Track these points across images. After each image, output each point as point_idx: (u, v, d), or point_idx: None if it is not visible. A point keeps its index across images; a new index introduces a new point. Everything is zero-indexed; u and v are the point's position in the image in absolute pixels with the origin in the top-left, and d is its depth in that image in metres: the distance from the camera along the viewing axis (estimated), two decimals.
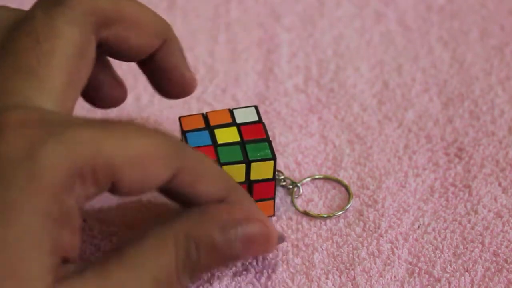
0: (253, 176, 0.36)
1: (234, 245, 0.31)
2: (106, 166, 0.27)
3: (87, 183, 0.27)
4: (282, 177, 0.40)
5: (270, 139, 0.37)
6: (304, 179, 0.41)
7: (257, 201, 0.37)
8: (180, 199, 0.32)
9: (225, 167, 0.36)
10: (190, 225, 0.30)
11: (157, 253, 0.29)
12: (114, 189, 0.28)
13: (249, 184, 0.37)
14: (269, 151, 0.36)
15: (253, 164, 0.36)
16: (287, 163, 0.42)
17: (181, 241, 0.29)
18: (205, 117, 0.38)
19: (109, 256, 0.29)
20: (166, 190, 0.31)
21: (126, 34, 0.32)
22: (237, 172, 0.36)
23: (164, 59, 0.35)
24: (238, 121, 0.38)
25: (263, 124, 0.38)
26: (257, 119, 0.38)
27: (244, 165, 0.36)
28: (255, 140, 0.37)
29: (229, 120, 0.38)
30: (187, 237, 0.30)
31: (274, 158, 0.36)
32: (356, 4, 0.52)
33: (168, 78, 0.36)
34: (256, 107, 0.38)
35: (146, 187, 0.29)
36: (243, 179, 0.36)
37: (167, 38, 0.34)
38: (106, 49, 0.33)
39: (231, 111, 0.38)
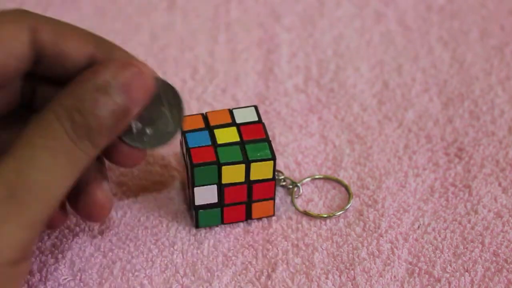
0: (253, 176, 0.36)
1: (115, 98, 0.30)
2: None
3: None
4: (282, 177, 0.40)
5: (270, 139, 0.37)
6: (304, 179, 0.41)
7: (257, 201, 0.38)
8: (51, 69, 0.32)
9: (225, 167, 0.36)
10: (65, 96, 0.30)
11: (41, 131, 0.29)
12: None
13: (248, 184, 0.37)
14: (269, 151, 0.36)
15: (252, 164, 0.36)
16: (287, 163, 0.42)
17: (60, 111, 0.30)
18: (204, 117, 0.38)
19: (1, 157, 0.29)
20: (36, 63, 0.31)
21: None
22: (237, 172, 0.36)
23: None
24: (238, 121, 0.38)
25: (263, 124, 0.38)
26: (256, 119, 0.38)
27: (244, 165, 0.36)
28: (255, 140, 0.37)
29: (229, 120, 0.38)
30: (65, 106, 0.30)
31: (273, 158, 0.36)
32: (356, 4, 0.52)
33: None
34: (255, 107, 0.38)
35: (9, 53, 0.30)
36: (243, 179, 0.36)
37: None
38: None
39: (230, 111, 0.38)
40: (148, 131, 0.32)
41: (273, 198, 0.38)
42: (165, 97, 0.32)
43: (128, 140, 0.32)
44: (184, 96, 0.45)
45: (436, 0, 0.52)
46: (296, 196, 0.40)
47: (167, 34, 0.50)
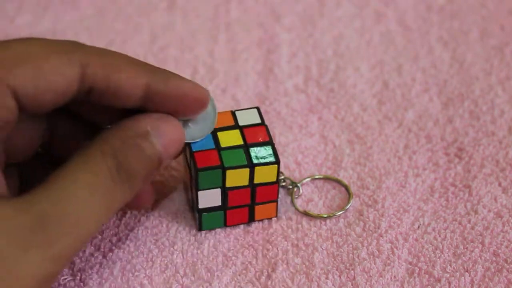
0: (256, 180, 0.36)
1: (154, 146, 0.31)
2: None
3: None
4: (282, 177, 0.40)
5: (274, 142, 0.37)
6: (304, 179, 0.41)
7: (260, 203, 0.37)
8: (104, 102, 0.31)
9: (229, 171, 0.36)
10: (112, 136, 0.30)
11: (86, 167, 0.29)
12: (20, 100, 0.28)
13: (252, 188, 0.37)
14: (273, 155, 0.36)
15: (257, 168, 0.36)
16: (287, 163, 0.42)
17: (106, 150, 0.30)
18: None
19: (37, 185, 0.28)
20: (86, 96, 0.31)
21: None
22: (241, 176, 0.36)
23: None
24: (241, 123, 0.37)
25: (266, 126, 0.37)
26: (259, 121, 0.37)
27: (248, 169, 0.36)
28: (259, 143, 0.37)
29: (232, 123, 0.37)
30: (111, 146, 0.30)
31: (278, 161, 0.36)
32: (356, 4, 0.52)
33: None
34: (258, 109, 0.38)
35: (52, 88, 0.29)
36: (246, 182, 0.36)
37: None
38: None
39: (233, 113, 0.38)
40: (190, 125, 0.35)
41: (276, 201, 0.38)
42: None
43: None
44: None
45: (436, 0, 0.52)
46: (296, 196, 0.40)
47: (167, 34, 0.50)
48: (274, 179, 0.37)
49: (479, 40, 0.49)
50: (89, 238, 0.29)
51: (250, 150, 0.36)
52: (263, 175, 0.36)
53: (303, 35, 0.50)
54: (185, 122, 0.35)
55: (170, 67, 0.47)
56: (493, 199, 0.40)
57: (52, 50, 0.29)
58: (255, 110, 0.38)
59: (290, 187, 0.40)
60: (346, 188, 0.40)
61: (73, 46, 0.30)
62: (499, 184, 0.40)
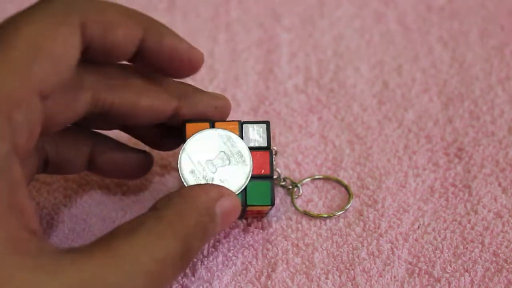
0: (249, 209, 0.36)
1: (216, 223, 0.31)
2: (14, 83, 0.26)
3: (13, 115, 0.26)
4: (282, 177, 0.40)
5: (273, 175, 0.36)
6: (304, 179, 0.41)
7: (250, 217, 0.38)
8: (97, 59, 0.31)
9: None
10: (187, 212, 0.30)
11: (152, 251, 0.28)
12: (45, 97, 0.28)
13: (243, 208, 0.35)
14: (269, 196, 0.35)
15: (249, 207, 0.35)
16: (287, 163, 0.42)
17: (180, 235, 0.29)
18: (212, 126, 0.35)
19: (96, 244, 0.27)
20: (82, 55, 0.30)
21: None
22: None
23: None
24: (245, 142, 0.35)
25: (271, 152, 0.35)
26: (265, 144, 0.35)
27: (241, 207, 0.34)
28: (258, 176, 0.35)
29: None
30: (185, 229, 0.29)
31: (272, 203, 0.35)
32: (356, 4, 0.52)
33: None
34: (267, 124, 0.36)
35: (68, 64, 0.28)
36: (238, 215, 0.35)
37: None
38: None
39: (240, 125, 0.35)
40: None
41: (266, 216, 0.38)
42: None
43: None
44: None
45: (436, 0, 0.52)
46: (296, 196, 0.40)
47: None
48: (267, 209, 0.36)
49: (479, 40, 0.49)
50: None
51: (247, 186, 0.35)
52: (256, 208, 0.36)
53: (303, 35, 0.50)
54: None
55: None
56: (493, 199, 0.40)
57: (54, 22, 0.28)
58: (264, 126, 0.36)
59: (290, 187, 0.40)
60: (346, 188, 0.40)
61: (71, 5, 0.29)
62: (499, 184, 0.40)
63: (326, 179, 0.41)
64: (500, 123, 0.44)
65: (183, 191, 0.31)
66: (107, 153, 0.36)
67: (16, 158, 0.26)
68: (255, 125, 0.36)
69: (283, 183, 0.40)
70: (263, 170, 0.35)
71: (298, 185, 0.40)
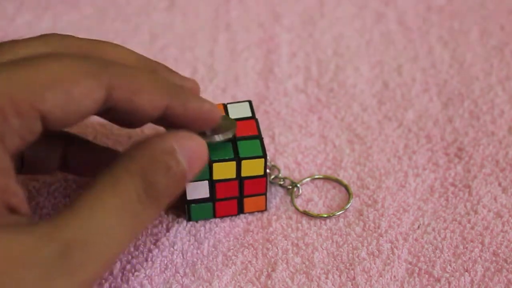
0: (244, 173, 0.37)
1: (179, 160, 0.31)
2: (23, 94, 0.27)
3: (9, 118, 0.27)
4: (282, 176, 0.40)
5: (267, 136, 0.37)
6: (304, 179, 0.41)
7: (248, 196, 0.38)
8: (122, 118, 0.32)
9: (215, 164, 0.36)
10: (138, 155, 0.30)
11: (114, 190, 0.29)
12: (46, 122, 0.28)
13: (240, 180, 0.37)
14: (260, 149, 0.36)
15: (243, 162, 0.36)
16: (287, 163, 0.42)
17: (134, 170, 0.29)
18: None
19: (61, 209, 0.28)
20: (106, 112, 0.31)
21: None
22: (228, 169, 0.36)
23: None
24: (232, 116, 0.38)
25: (256, 120, 0.38)
26: (250, 115, 0.38)
27: (234, 162, 0.36)
28: (247, 137, 0.37)
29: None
30: (139, 166, 0.30)
31: (264, 155, 0.36)
32: (356, 4, 0.52)
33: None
34: (250, 102, 0.39)
35: (79, 111, 0.29)
36: (234, 175, 0.37)
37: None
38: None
39: (225, 106, 0.38)
40: (216, 137, 0.35)
41: (265, 194, 0.38)
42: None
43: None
44: None
45: (436, 0, 0.52)
46: (296, 196, 0.40)
47: (167, 34, 0.50)
48: (261, 172, 0.37)
49: (479, 40, 0.49)
50: (114, 261, 0.29)
51: (238, 144, 0.36)
52: (251, 169, 0.37)
53: (303, 35, 0.50)
54: (212, 136, 0.35)
55: (170, 67, 0.47)
56: (493, 199, 0.40)
57: (81, 72, 0.29)
58: (247, 103, 0.38)
59: (290, 187, 0.40)
60: (346, 188, 0.40)
61: (100, 67, 0.30)
62: (499, 184, 0.40)
63: (326, 179, 0.41)
64: (500, 123, 0.44)
65: (136, 141, 0.31)
66: (80, 153, 0.37)
67: (4, 148, 0.27)
68: (239, 104, 0.38)
69: (283, 183, 0.40)
70: (249, 132, 0.37)
71: (298, 185, 0.40)
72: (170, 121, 0.33)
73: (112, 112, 0.31)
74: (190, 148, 0.32)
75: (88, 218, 0.28)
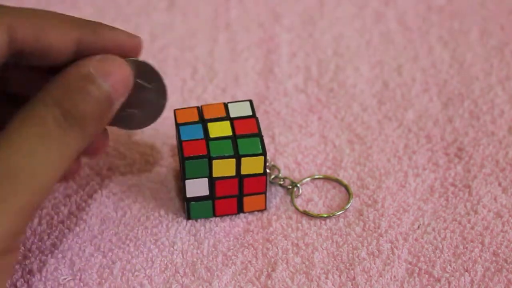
0: (243, 171, 0.37)
1: (100, 85, 0.31)
2: None
3: None
4: (281, 176, 0.40)
5: (267, 136, 0.37)
6: (304, 179, 0.41)
7: (248, 195, 0.38)
8: (37, 60, 0.31)
9: (215, 161, 0.36)
10: (53, 86, 0.30)
11: (32, 121, 0.29)
12: None
13: (240, 178, 0.37)
14: (260, 147, 0.36)
15: (243, 159, 0.36)
16: (287, 163, 0.42)
17: (48, 100, 0.30)
18: (199, 110, 0.38)
19: None
20: (18, 58, 0.30)
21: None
22: (228, 166, 0.36)
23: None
24: (232, 115, 0.38)
25: (256, 118, 0.38)
26: (250, 113, 0.38)
27: (234, 159, 0.36)
28: (247, 135, 0.37)
29: (223, 114, 0.38)
30: (53, 95, 0.30)
31: (264, 153, 0.36)
32: (356, 4, 0.52)
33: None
34: (250, 102, 0.39)
35: None
36: (233, 173, 0.37)
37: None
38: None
39: (225, 105, 0.38)
40: (137, 112, 0.34)
41: (265, 193, 0.38)
42: (145, 76, 0.33)
43: (120, 125, 0.34)
44: (184, 96, 0.45)
45: (436, 0, 0.52)
46: (296, 196, 0.40)
47: (167, 34, 0.50)
48: (261, 170, 0.37)
49: (479, 40, 0.49)
50: (50, 188, 0.29)
51: (238, 141, 0.36)
52: (250, 167, 0.37)
53: (303, 35, 0.50)
54: (131, 110, 0.34)
55: (170, 67, 0.47)
56: (493, 199, 0.40)
57: None
58: (248, 102, 0.38)
59: (290, 187, 0.40)
60: (346, 188, 0.40)
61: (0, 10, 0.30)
62: (499, 184, 0.40)
63: (326, 178, 0.41)
64: (500, 123, 0.44)
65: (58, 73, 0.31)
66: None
67: None
68: (240, 103, 0.38)
69: (282, 183, 0.40)
70: (249, 130, 0.37)
71: (298, 184, 0.40)
72: (87, 56, 0.32)
73: (23, 56, 0.30)
74: (111, 70, 0.31)
75: (11, 147, 0.28)
